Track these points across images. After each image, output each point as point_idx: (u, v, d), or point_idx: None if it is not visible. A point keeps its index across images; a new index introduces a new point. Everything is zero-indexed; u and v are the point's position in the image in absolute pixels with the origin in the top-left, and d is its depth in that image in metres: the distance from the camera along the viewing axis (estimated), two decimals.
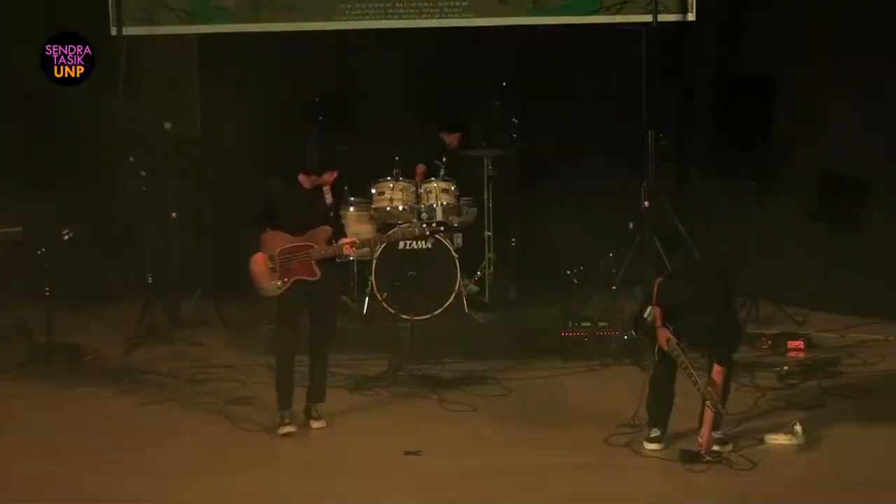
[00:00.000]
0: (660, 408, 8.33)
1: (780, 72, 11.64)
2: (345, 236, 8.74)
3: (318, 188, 8.62)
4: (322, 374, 8.82)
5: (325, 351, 8.81)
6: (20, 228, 10.18)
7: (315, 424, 8.74)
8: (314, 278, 8.55)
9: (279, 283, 8.51)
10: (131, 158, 10.84)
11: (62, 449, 8.44)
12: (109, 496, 7.68)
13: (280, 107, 11.86)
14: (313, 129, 11.13)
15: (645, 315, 8.33)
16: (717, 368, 8.04)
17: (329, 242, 8.59)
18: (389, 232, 9.49)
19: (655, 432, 8.31)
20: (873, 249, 11.19)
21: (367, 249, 9.71)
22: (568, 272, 10.85)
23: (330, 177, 8.61)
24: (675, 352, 8.04)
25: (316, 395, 8.79)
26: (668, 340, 8.05)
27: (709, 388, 7.95)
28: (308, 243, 8.53)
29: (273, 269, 8.51)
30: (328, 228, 8.64)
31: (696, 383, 7.99)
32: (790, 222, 11.48)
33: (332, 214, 8.70)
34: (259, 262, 8.54)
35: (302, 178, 8.61)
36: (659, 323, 8.11)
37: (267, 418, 8.75)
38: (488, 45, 12.00)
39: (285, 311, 8.67)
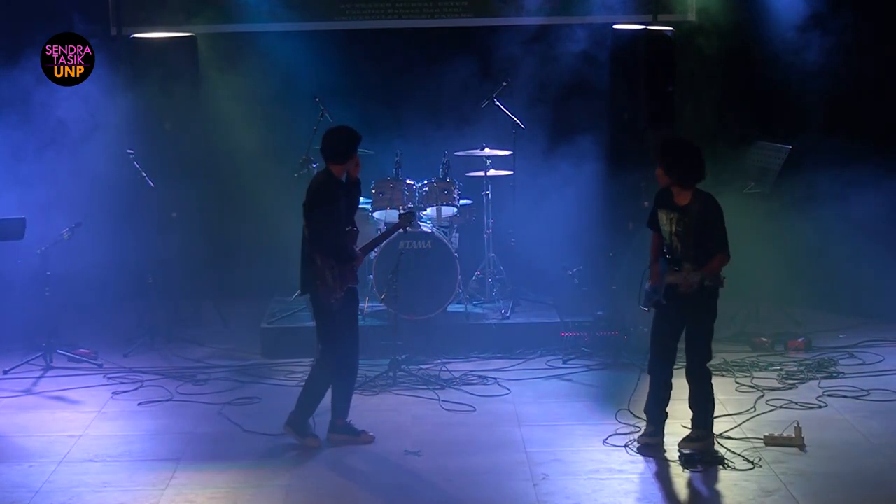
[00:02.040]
0: (658, 407, 8.36)
1: (783, 75, 11.67)
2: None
3: (348, 179, 8.41)
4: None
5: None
6: None
7: (370, 435, 8.54)
8: (356, 284, 8.45)
9: (340, 294, 8.30)
10: (130, 151, 10.82)
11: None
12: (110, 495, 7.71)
13: (280, 105, 11.85)
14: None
15: (647, 289, 8.36)
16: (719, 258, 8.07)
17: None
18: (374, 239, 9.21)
19: (650, 429, 8.33)
20: (874, 250, 11.19)
21: None
22: (568, 272, 10.84)
23: (355, 162, 8.41)
24: (697, 276, 7.99)
25: (349, 407, 8.65)
26: (687, 275, 8.01)
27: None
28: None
29: (334, 280, 8.27)
30: (357, 230, 8.49)
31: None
32: (790, 223, 11.48)
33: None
34: (325, 273, 8.26)
35: (335, 170, 8.34)
36: (671, 275, 8.11)
37: (266, 419, 8.73)
38: (488, 45, 11.98)
39: (342, 324, 8.37)
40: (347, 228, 8.42)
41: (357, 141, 8.42)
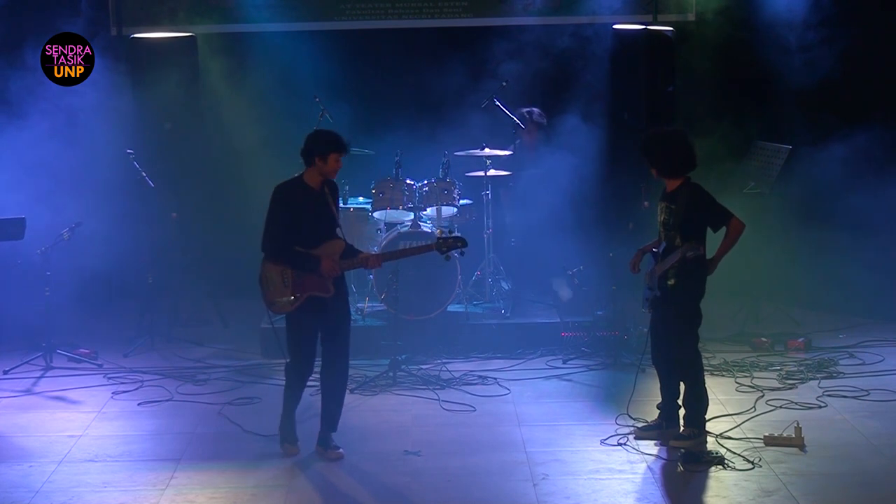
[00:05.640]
0: (663, 398, 8.44)
1: (783, 75, 11.68)
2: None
3: (324, 188, 8.16)
4: (342, 398, 8.38)
5: (346, 374, 8.38)
6: None
7: (337, 453, 8.29)
8: (328, 295, 8.14)
9: (292, 298, 8.09)
10: (130, 151, 10.83)
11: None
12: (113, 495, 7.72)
13: (281, 106, 11.85)
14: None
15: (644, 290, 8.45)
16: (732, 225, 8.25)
17: (345, 256, 8.13)
18: (405, 247, 8.86)
19: (654, 421, 8.48)
20: (873, 251, 11.20)
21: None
22: (568, 272, 10.83)
23: (329, 165, 8.09)
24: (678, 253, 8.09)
25: (334, 422, 8.38)
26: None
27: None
28: (321, 256, 8.05)
29: (285, 284, 8.10)
30: (342, 241, 8.21)
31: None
32: (790, 223, 11.49)
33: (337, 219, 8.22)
34: (271, 274, 8.13)
35: (307, 175, 8.18)
36: (660, 266, 8.23)
37: (266, 419, 8.73)
38: (488, 45, 11.99)
39: (301, 334, 8.18)
40: (338, 238, 8.19)
41: (327, 143, 8.10)
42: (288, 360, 8.31)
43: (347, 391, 9.43)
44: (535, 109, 11.56)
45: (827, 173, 11.16)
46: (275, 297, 8.13)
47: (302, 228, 8.08)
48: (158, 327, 11.00)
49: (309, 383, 8.56)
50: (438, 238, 8.58)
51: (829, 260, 11.33)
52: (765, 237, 11.13)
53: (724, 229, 8.27)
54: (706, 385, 8.37)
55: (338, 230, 8.26)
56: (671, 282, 8.17)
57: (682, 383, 8.39)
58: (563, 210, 11.33)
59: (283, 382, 8.39)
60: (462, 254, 8.93)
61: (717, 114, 11.87)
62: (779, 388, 9.49)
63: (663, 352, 8.39)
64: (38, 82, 10.45)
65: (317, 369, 8.39)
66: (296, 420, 8.45)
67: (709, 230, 8.30)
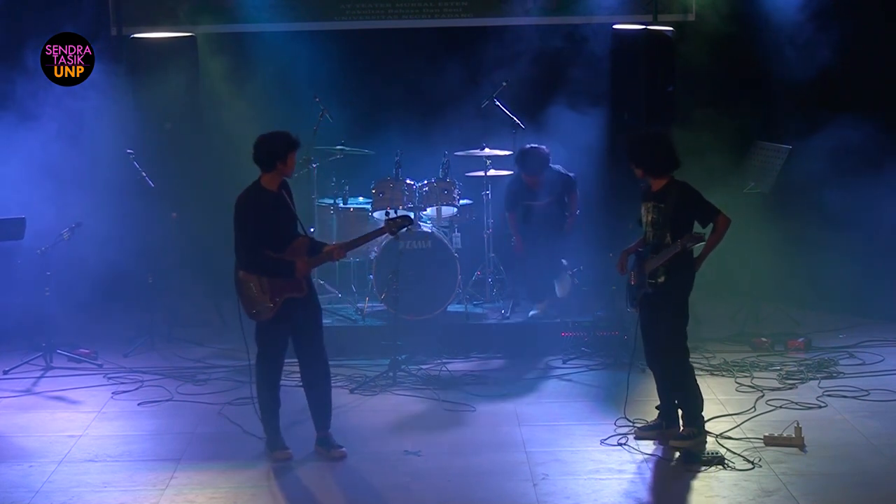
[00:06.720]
0: (662, 398, 8.41)
1: (783, 75, 11.69)
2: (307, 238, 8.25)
3: (283, 188, 8.14)
4: (329, 395, 8.36)
5: (328, 370, 8.34)
6: None
7: (339, 452, 8.25)
8: (302, 294, 8.13)
9: (270, 305, 8.06)
10: (130, 151, 10.82)
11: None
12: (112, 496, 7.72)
13: (281, 106, 11.85)
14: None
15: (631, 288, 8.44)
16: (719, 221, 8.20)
17: (311, 252, 8.14)
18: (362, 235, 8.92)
19: (654, 421, 8.45)
20: (874, 250, 11.20)
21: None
22: (568, 272, 10.83)
23: (290, 166, 8.09)
24: (675, 247, 8.05)
25: (327, 420, 8.35)
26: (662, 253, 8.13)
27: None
28: (291, 258, 8.05)
29: (263, 291, 8.06)
30: (305, 238, 8.22)
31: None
32: (790, 223, 11.48)
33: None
34: (249, 283, 8.09)
35: (265, 180, 8.14)
36: (648, 263, 8.22)
37: None
38: (488, 45, 11.99)
39: (275, 335, 8.17)
40: (301, 236, 8.18)
41: (284, 145, 8.08)
42: (256, 364, 8.26)
43: (347, 391, 9.49)
44: (542, 147, 10.90)
45: (828, 172, 11.16)
46: (255, 305, 8.10)
47: (271, 234, 8.04)
48: (158, 327, 11.00)
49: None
50: (388, 220, 8.49)
51: (829, 260, 11.33)
52: (765, 237, 11.14)
53: (710, 226, 8.28)
54: (698, 383, 8.35)
55: (298, 226, 8.25)
56: (661, 279, 8.17)
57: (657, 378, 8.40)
58: (562, 210, 11.32)
59: (283, 382, 8.39)
60: (409, 230, 8.91)
61: (718, 113, 11.86)
62: (779, 388, 9.49)
63: (654, 351, 8.38)
64: (37, 82, 10.45)
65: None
66: (292, 422, 8.45)
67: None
